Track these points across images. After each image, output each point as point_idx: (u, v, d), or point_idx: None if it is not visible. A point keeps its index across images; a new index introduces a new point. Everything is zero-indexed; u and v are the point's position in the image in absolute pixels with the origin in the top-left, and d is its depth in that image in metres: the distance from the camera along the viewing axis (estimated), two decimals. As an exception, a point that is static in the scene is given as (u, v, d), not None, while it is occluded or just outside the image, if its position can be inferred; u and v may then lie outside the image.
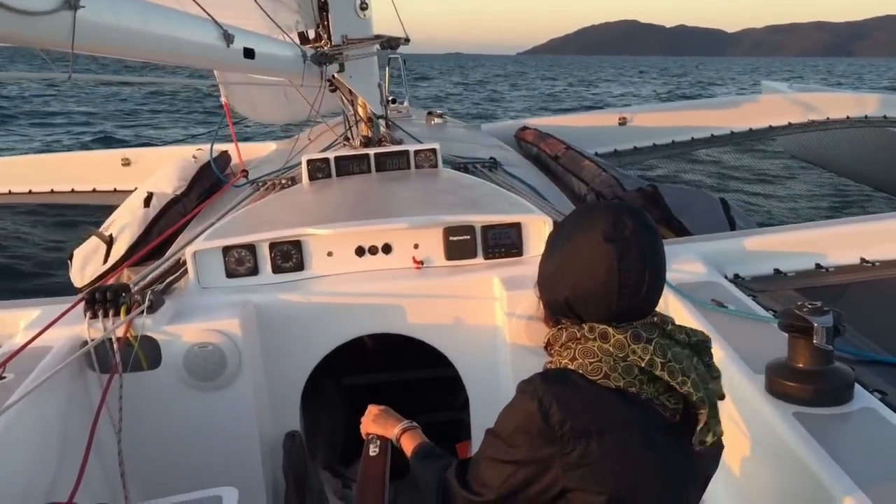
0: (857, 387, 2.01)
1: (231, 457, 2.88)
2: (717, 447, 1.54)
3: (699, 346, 1.51)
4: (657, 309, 1.53)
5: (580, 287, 1.46)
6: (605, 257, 1.42)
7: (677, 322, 1.54)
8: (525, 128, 8.34)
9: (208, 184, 5.92)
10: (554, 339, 1.54)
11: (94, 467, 2.48)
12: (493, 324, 3.03)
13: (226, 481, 2.17)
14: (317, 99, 4.71)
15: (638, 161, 9.31)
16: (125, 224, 5.05)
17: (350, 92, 5.27)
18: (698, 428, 1.44)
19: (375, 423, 1.96)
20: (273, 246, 3.10)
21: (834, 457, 1.74)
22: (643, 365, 1.41)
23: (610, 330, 1.45)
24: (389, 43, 4.99)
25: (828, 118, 9.06)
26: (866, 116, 9.06)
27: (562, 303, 1.51)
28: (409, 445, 1.83)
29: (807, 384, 1.96)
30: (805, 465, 1.78)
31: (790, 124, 9.07)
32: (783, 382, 1.99)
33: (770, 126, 9.09)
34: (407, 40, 5.16)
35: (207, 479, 2.22)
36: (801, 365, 1.97)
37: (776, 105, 9.37)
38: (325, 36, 5.09)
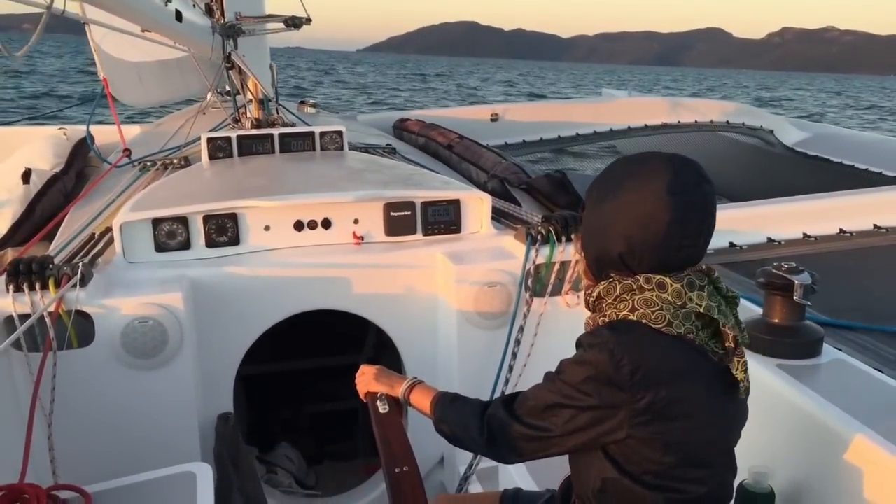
0: (824, 343, 2.19)
1: (168, 438, 2.71)
2: (748, 393, 1.60)
3: (732, 300, 1.55)
4: None
5: (636, 238, 1.45)
6: (667, 209, 1.41)
7: None
8: (405, 119, 8.40)
9: (83, 163, 5.50)
10: (606, 293, 1.51)
11: (15, 451, 2.25)
12: (434, 297, 3.05)
13: (163, 464, 2.07)
14: (217, 75, 4.50)
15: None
16: (3, 201, 4.58)
17: (240, 72, 5.08)
18: (736, 372, 1.48)
19: (378, 381, 1.91)
20: (207, 219, 2.94)
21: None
22: (701, 311, 1.44)
23: (667, 280, 1.45)
24: (293, 21, 4.85)
25: (679, 122, 9.83)
26: (711, 121, 9.91)
27: (614, 255, 1.49)
28: (425, 397, 1.78)
29: (784, 338, 2.11)
30: (804, 410, 1.90)
31: (646, 126, 9.77)
32: (761, 337, 2.13)
33: (629, 127, 9.74)
34: (309, 20, 5.03)
35: (144, 464, 2.09)
36: (777, 321, 2.12)
37: (633, 108, 10.05)
38: (218, 11, 4.88)
